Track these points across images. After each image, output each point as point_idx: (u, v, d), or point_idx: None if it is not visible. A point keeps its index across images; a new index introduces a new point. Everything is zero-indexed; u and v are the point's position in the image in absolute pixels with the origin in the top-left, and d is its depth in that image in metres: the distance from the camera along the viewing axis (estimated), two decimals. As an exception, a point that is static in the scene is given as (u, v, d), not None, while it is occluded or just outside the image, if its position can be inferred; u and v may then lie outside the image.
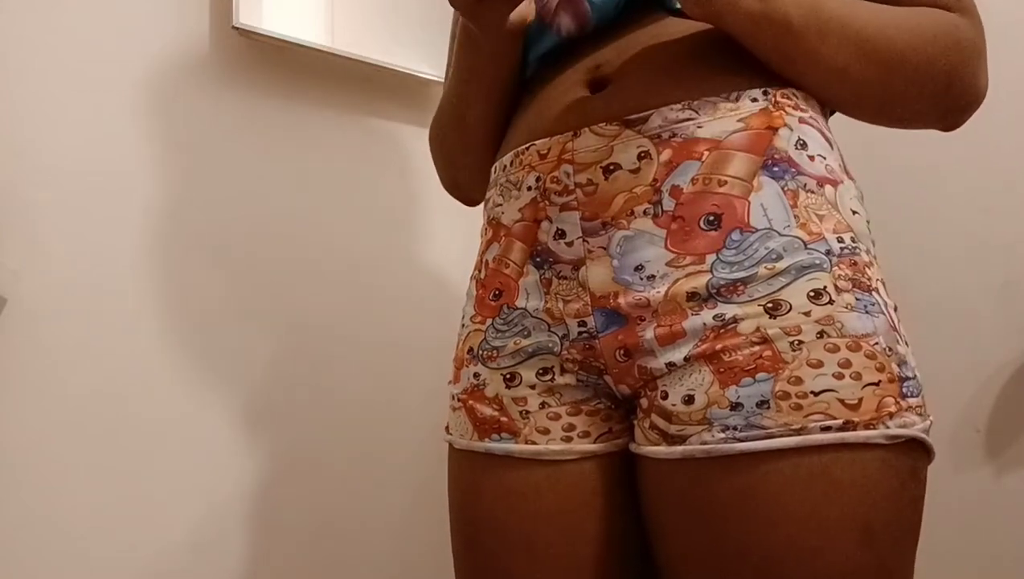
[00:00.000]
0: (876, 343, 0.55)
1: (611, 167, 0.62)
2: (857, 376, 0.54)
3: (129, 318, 1.05)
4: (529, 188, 0.67)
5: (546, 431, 0.67)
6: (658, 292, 0.59)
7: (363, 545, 1.23)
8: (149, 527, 1.04)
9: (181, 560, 1.06)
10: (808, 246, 0.57)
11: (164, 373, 1.07)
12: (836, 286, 0.56)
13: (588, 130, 0.63)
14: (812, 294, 0.56)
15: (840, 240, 0.58)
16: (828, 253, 0.57)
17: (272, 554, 1.15)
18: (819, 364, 0.54)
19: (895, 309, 0.60)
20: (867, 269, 0.58)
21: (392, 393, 1.28)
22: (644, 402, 0.62)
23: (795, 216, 0.58)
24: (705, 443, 0.56)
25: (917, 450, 0.56)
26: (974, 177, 1.20)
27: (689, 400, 0.58)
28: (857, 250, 0.58)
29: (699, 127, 0.60)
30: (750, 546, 0.55)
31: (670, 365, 0.59)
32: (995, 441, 1.17)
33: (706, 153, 0.60)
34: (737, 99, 0.60)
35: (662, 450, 0.59)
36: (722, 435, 0.56)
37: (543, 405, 0.67)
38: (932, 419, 0.58)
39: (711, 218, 0.59)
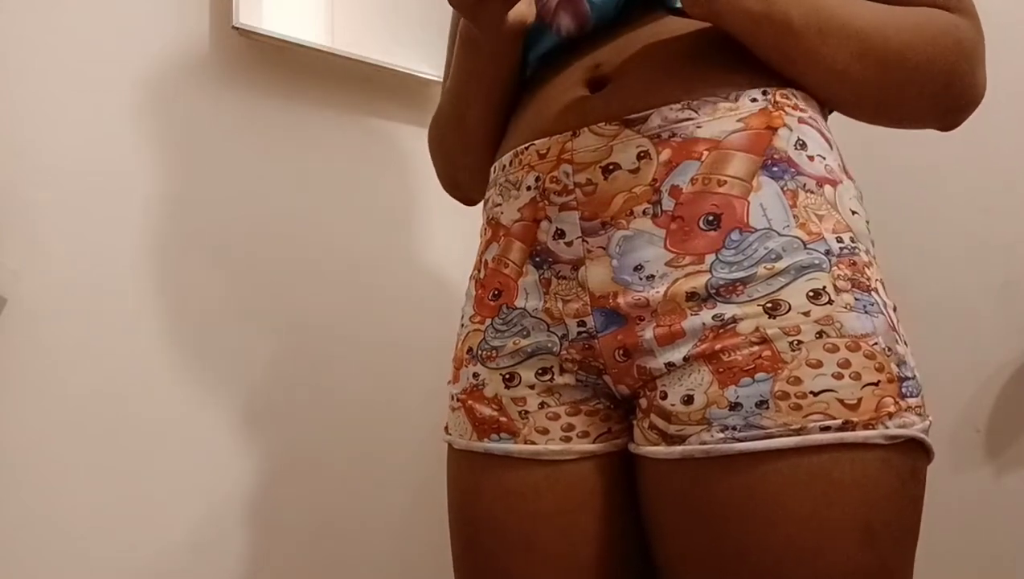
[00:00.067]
0: (875, 343, 0.55)
1: (610, 167, 0.62)
2: (856, 376, 0.54)
3: (129, 318, 1.05)
4: (528, 188, 0.67)
5: (545, 431, 0.67)
6: (657, 292, 0.59)
7: (363, 545, 1.23)
8: (149, 527, 1.04)
9: (181, 560, 1.06)
10: (807, 246, 0.57)
11: (164, 373, 1.07)
12: (835, 286, 0.56)
13: (587, 130, 0.63)
14: (811, 294, 0.56)
15: (839, 240, 0.58)
16: (827, 253, 0.57)
17: (272, 554, 1.15)
18: (818, 364, 0.54)
19: (894, 309, 0.60)
20: (866, 269, 0.58)
21: (392, 393, 1.28)
22: (643, 402, 0.62)
23: (794, 216, 0.58)
24: (704, 443, 0.56)
25: (917, 450, 0.56)
26: (974, 177, 1.20)
27: (688, 400, 0.58)
28: (856, 250, 0.58)
29: (698, 127, 0.60)
30: (749, 546, 0.55)
31: (669, 365, 0.59)
32: (995, 441, 1.17)
33: (705, 153, 0.60)
34: (736, 99, 0.61)
35: (661, 450, 0.59)
36: (721, 435, 0.56)
37: (542, 405, 0.67)
38: (931, 419, 0.58)
39: (710, 218, 0.59)
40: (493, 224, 0.72)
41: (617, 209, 0.61)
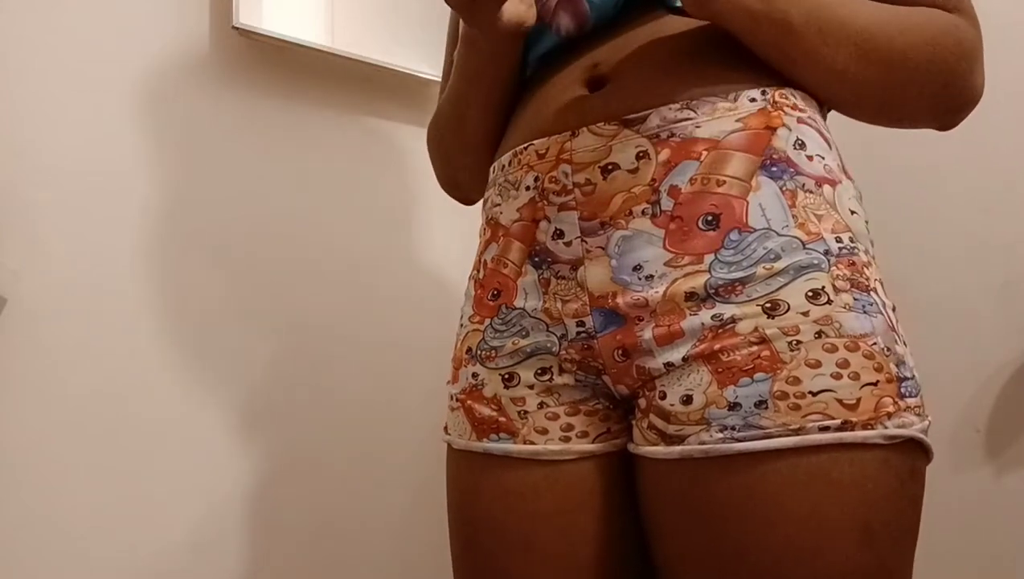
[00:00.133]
0: (874, 343, 0.55)
1: (609, 167, 0.62)
2: (855, 376, 0.54)
3: (129, 318, 1.05)
4: (527, 188, 0.67)
5: (544, 431, 0.67)
6: (656, 292, 0.59)
7: (363, 545, 1.24)
8: (149, 527, 1.04)
9: (181, 560, 1.06)
10: (806, 246, 0.57)
11: (164, 373, 1.07)
12: (834, 286, 0.56)
13: (586, 130, 0.63)
14: (810, 294, 0.56)
15: (838, 240, 0.58)
16: (826, 253, 0.57)
17: (272, 554, 1.15)
18: (817, 364, 0.54)
19: (893, 309, 0.60)
20: (865, 269, 0.58)
21: (392, 393, 1.28)
22: (642, 402, 0.62)
23: (793, 216, 0.58)
24: (703, 443, 0.56)
25: (916, 450, 0.56)
26: (974, 177, 1.20)
27: (687, 400, 0.58)
28: (855, 250, 0.58)
29: (697, 127, 0.60)
30: (748, 546, 0.55)
31: (668, 365, 0.59)
32: (995, 441, 1.17)
33: (704, 153, 0.60)
34: (735, 99, 0.60)
35: (660, 450, 0.59)
36: (720, 435, 0.56)
37: (541, 405, 0.67)
38: (930, 419, 0.58)
39: (709, 218, 0.59)
40: (492, 224, 0.72)
41: (616, 209, 0.61)
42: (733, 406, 0.56)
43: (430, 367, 1.26)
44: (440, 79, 0.95)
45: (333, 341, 1.23)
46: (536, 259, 0.67)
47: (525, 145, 0.68)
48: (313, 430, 1.20)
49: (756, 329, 0.56)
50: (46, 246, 1.00)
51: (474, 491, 0.70)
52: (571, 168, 0.64)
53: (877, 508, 0.54)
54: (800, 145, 0.60)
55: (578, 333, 0.64)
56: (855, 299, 0.56)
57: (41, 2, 1.01)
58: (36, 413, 0.97)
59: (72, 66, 1.03)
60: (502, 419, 0.68)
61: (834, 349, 0.55)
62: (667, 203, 0.60)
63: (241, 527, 1.12)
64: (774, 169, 0.59)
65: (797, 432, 0.54)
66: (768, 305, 0.56)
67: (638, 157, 0.61)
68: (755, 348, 0.56)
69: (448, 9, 0.83)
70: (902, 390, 0.55)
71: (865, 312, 0.56)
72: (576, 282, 0.64)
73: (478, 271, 0.74)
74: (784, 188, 0.58)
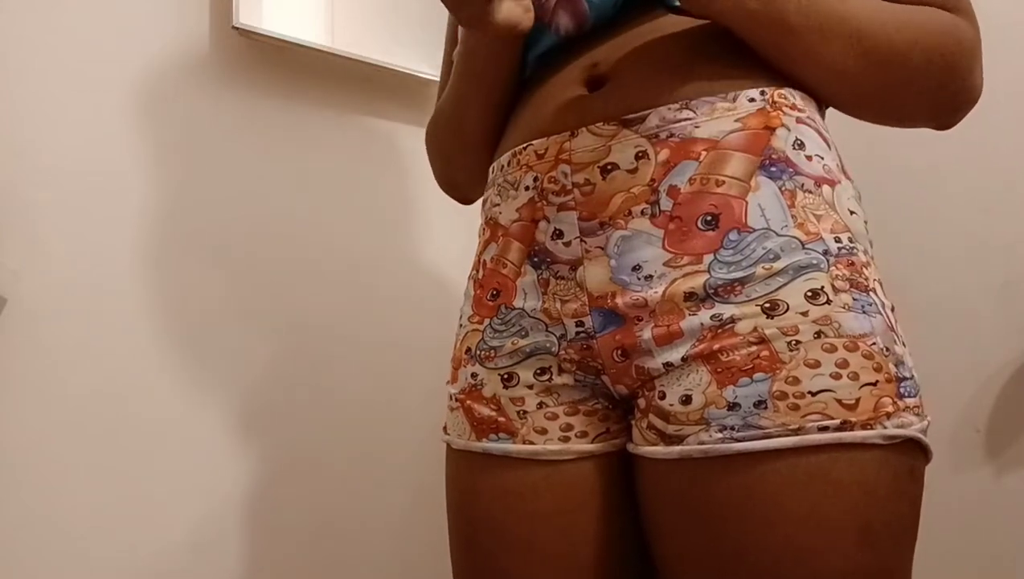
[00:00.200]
0: (873, 343, 0.55)
1: (609, 167, 0.62)
2: (854, 376, 0.54)
3: (129, 318, 1.05)
4: (527, 188, 0.67)
5: (544, 431, 0.67)
6: (655, 292, 0.59)
7: (363, 545, 1.24)
8: (149, 527, 1.04)
9: (181, 560, 1.06)
10: (806, 246, 0.57)
11: (164, 373, 1.07)
12: (833, 286, 0.56)
13: (586, 130, 0.63)
14: (809, 294, 0.56)
15: (838, 240, 0.58)
16: (825, 253, 0.57)
17: (272, 554, 1.15)
18: (816, 364, 0.54)
19: (892, 309, 0.60)
20: (864, 269, 0.58)
21: (392, 393, 1.28)
22: (642, 402, 0.62)
23: (793, 216, 0.58)
24: (703, 443, 0.56)
25: (915, 450, 0.56)
26: (974, 177, 1.20)
27: (687, 400, 0.58)
28: (855, 250, 0.58)
29: (696, 127, 0.60)
30: (748, 546, 0.55)
31: (668, 365, 0.59)
32: (995, 441, 1.17)
33: (704, 153, 0.60)
34: (734, 99, 0.60)
35: (660, 450, 0.59)
36: (720, 435, 0.56)
37: (541, 405, 0.67)
38: (929, 419, 0.58)
39: (709, 218, 0.59)
40: (491, 224, 0.72)
41: (615, 209, 0.61)
42: (732, 406, 0.56)
43: (430, 367, 1.26)
44: (439, 78, 0.95)
45: (333, 341, 1.23)
46: (535, 259, 0.67)
47: (524, 145, 0.68)
48: (313, 430, 1.20)
49: (755, 329, 0.56)
50: (46, 246, 1.00)
51: (473, 491, 0.70)
52: (570, 168, 0.64)
53: (876, 508, 0.54)
54: (799, 145, 0.60)
55: (577, 333, 0.64)
56: (854, 299, 0.56)
57: (41, 2, 1.02)
58: (36, 413, 0.98)
59: (72, 66, 1.03)
60: (501, 419, 0.68)
61: (833, 349, 0.55)
62: (666, 203, 0.60)
63: (241, 527, 1.12)
64: (773, 169, 0.59)
65: (796, 432, 0.54)
66: (767, 305, 0.56)
67: (637, 157, 0.61)
68: (754, 348, 0.56)
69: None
70: (901, 390, 0.55)
71: (864, 312, 0.56)
72: (575, 282, 0.64)
73: (477, 271, 0.74)
74: (783, 188, 0.58)
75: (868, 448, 0.54)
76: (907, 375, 0.56)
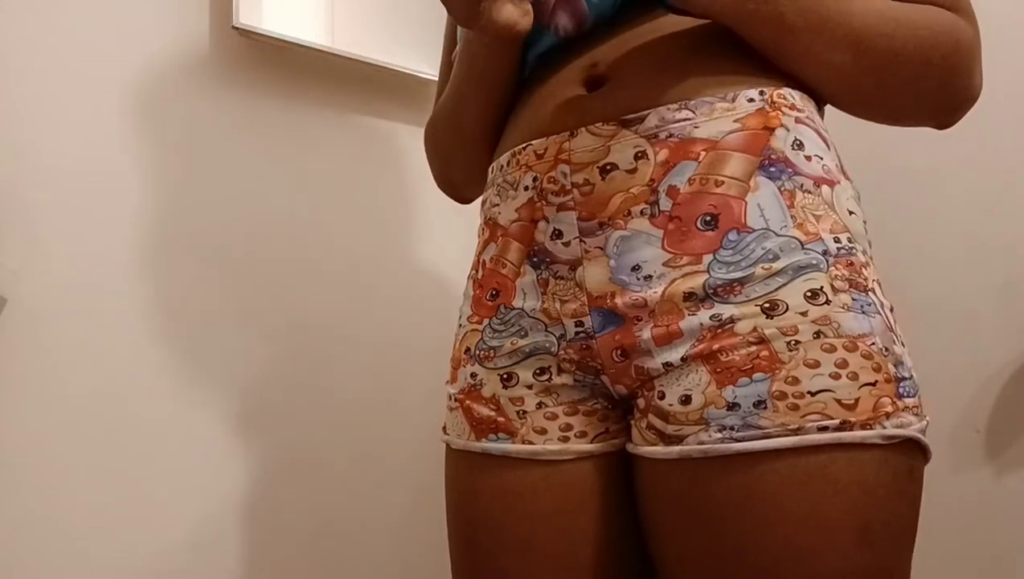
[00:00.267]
0: (873, 343, 0.55)
1: (608, 167, 0.62)
2: (854, 376, 0.54)
3: (129, 318, 1.05)
4: (526, 188, 0.67)
5: (543, 431, 0.67)
6: (655, 292, 0.59)
7: (363, 545, 1.24)
8: (149, 527, 1.04)
9: (181, 560, 1.06)
10: (805, 246, 0.57)
11: (164, 373, 1.07)
12: (833, 286, 0.56)
13: (585, 130, 0.63)
14: (809, 294, 0.56)
15: (837, 240, 0.58)
16: (825, 253, 0.57)
17: (272, 554, 1.15)
18: (816, 364, 0.54)
19: (891, 309, 0.60)
20: (863, 269, 0.58)
21: (392, 393, 1.28)
22: (641, 402, 0.62)
23: (792, 216, 0.58)
24: (702, 443, 0.56)
25: (914, 450, 0.56)
26: (974, 177, 1.20)
27: (686, 400, 0.58)
28: (854, 250, 0.58)
29: (696, 127, 0.60)
30: (747, 546, 0.55)
31: (667, 365, 0.59)
32: (995, 441, 1.17)
33: (703, 153, 0.60)
34: (733, 99, 0.60)
35: (659, 450, 0.59)
36: (719, 435, 0.56)
37: (540, 405, 0.67)
38: (928, 419, 0.58)
39: (708, 218, 0.59)
40: (491, 224, 0.72)
41: (615, 209, 0.61)
42: (732, 406, 0.56)
43: (430, 367, 1.26)
44: (437, 78, 0.95)
45: (333, 341, 1.23)
46: (535, 259, 0.67)
47: (523, 145, 0.68)
48: (313, 430, 1.20)
49: (755, 329, 0.56)
50: (46, 246, 1.00)
51: (473, 491, 0.70)
52: (569, 168, 0.64)
53: (875, 508, 0.54)
54: (798, 145, 0.60)
55: (577, 333, 0.64)
56: (853, 299, 0.56)
57: (41, 2, 1.02)
58: (36, 413, 0.98)
59: (72, 66, 1.03)
60: (501, 419, 0.68)
61: (832, 349, 0.55)
62: (665, 203, 0.60)
63: (241, 527, 1.12)
64: (772, 169, 0.59)
65: (796, 432, 0.54)
66: (767, 305, 0.56)
67: (636, 157, 0.61)
68: (754, 348, 0.56)
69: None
70: (900, 390, 0.55)
71: (863, 312, 0.56)
72: (575, 282, 0.64)
73: (476, 271, 0.74)
74: (782, 188, 0.58)
75: (867, 448, 0.54)
76: (906, 375, 0.56)
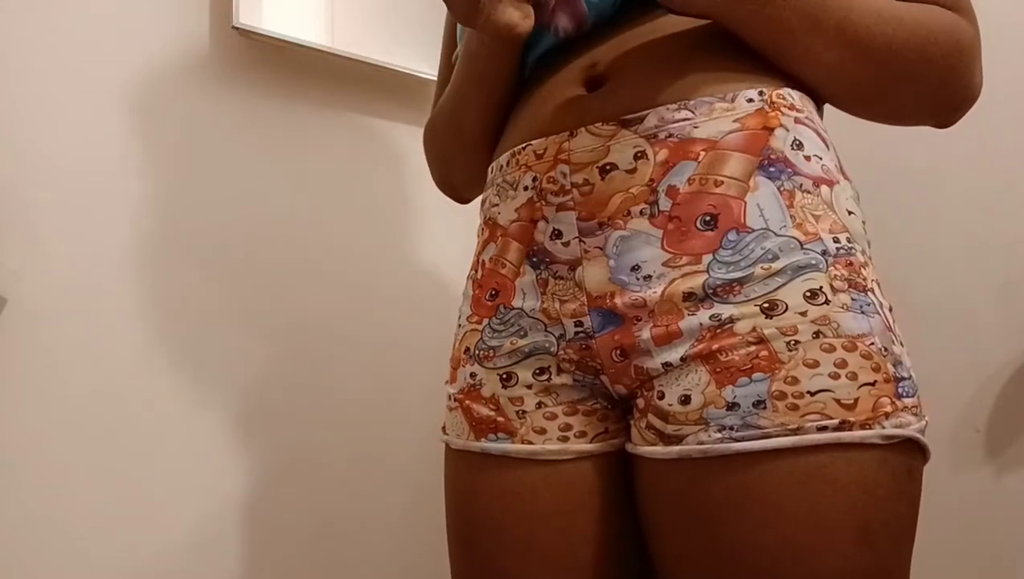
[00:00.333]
0: (872, 343, 0.55)
1: (607, 167, 0.62)
2: (853, 376, 0.54)
3: (129, 318, 1.05)
4: (526, 188, 0.67)
5: (543, 431, 0.67)
6: (654, 292, 0.59)
7: (363, 545, 1.24)
8: (149, 527, 1.04)
9: (181, 560, 1.07)
10: (804, 246, 0.57)
11: (164, 373, 1.07)
12: (832, 286, 0.56)
13: (584, 130, 0.63)
14: (808, 294, 0.56)
15: (836, 240, 0.58)
16: (824, 253, 0.57)
17: (272, 554, 1.15)
18: (815, 364, 0.54)
19: (890, 309, 0.60)
20: (863, 269, 0.58)
21: (392, 393, 1.28)
22: (640, 402, 0.62)
23: (791, 216, 0.58)
24: (702, 443, 0.56)
25: (913, 450, 0.56)
26: (974, 177, 1.20)
27: (685, 400, 0.58)
28: (853, 250, 0.58)
29: (695, 127, 0.60)
30: (746, 546, 0.55)
31: (666, 365, 0.59)
32: (995, 441, 1.17)
33: (702, 153, 0.60)
34: (733, 99, 0.60)
35: (659, 450, 0.59)
36: (719, 435, 0.56)
37: (540, 405, 0.67)
38: (928, 419, 0.58)
39: (707, 218, 0.59)
40: (490, 224, 0.72)
41: (614, 209, 0.61)
42: (731, 406, 0.56)
43: (430, 367, 1.26)
44: (437, 77, 0.95)
45: (333, 341, 1.23)
46: (534, 259, 0.67)
47: (523, 145, 0.68)
48: (313, 430, 1.20)
49: (754, 329, 0.56)
50: (46, 246, 1.00)
51: (472, 491, 0.70)
52: (569, 168, 0.64)
53: (875, 508, 0.54)
54: (797, 145, 0.60)
55: (576, 333, 0.64)
56: (853, 299, 0.56)
57: (41, 2, 1.02)
58: (36, 413, 0.98)
59: (72, 66, 1.03)
60: (500, 419, 0.68)
61: (832, 349, 0.55)
62: (665, 203, 0.60)
63: (241, 527, 1.12)
64: (772, 169, 0.59)
65: (795, 432, 0.54)
66: (766, 305, 0.56)
67: (636, 157, 0.61)
68: (753, 348, 0.56)
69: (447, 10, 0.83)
70: (899, 390, 0.55)
71: (863, 312, 0.56)
72: (574, 282, 0.64)
73: (476, 271, 0.74)
74: (782, 188, 0.58)
75: (867, 448, 0.54)
76: (905, 375, 0.56)
